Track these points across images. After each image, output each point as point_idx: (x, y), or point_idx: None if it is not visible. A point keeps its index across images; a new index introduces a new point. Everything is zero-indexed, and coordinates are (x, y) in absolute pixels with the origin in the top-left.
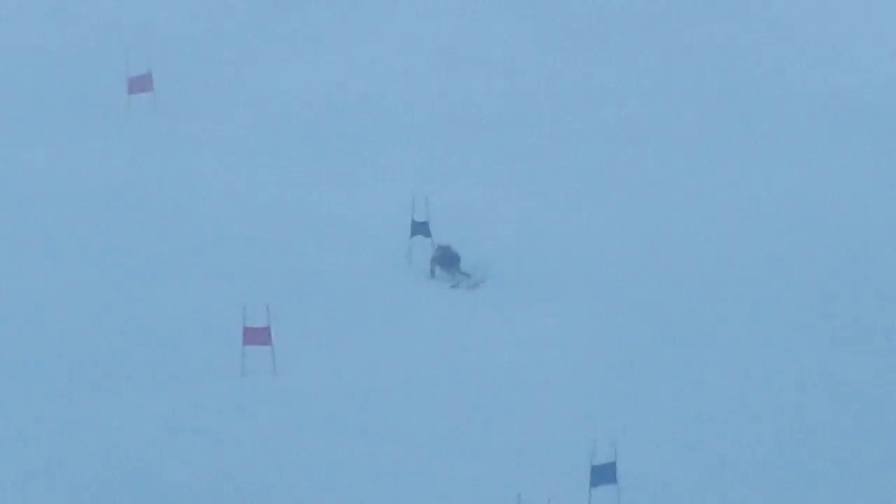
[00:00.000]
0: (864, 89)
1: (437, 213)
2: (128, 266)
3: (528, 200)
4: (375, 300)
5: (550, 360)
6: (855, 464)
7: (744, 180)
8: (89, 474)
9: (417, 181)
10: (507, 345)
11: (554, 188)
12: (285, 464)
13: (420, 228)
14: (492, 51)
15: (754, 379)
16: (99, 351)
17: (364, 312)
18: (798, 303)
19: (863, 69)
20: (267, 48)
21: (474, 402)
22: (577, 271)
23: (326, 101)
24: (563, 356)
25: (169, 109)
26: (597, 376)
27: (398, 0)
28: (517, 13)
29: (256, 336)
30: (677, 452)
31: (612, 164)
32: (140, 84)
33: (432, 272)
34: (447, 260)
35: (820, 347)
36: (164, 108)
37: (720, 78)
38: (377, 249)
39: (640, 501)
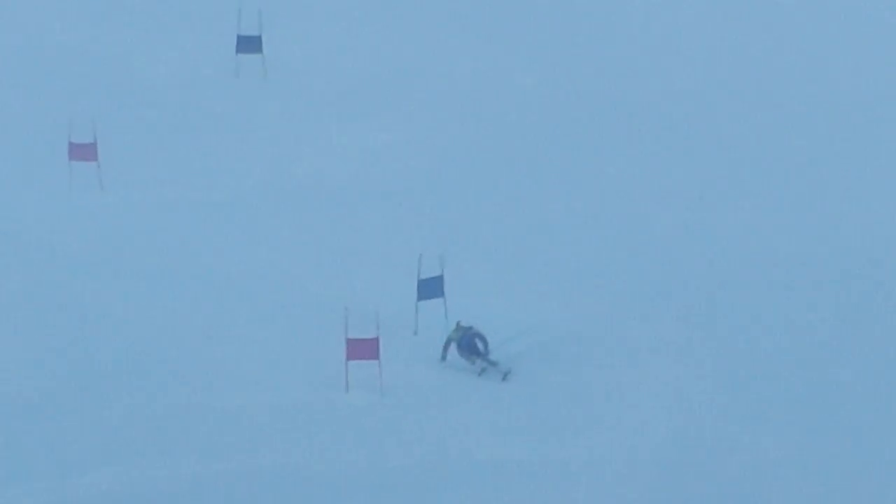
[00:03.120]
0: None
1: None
2: None
3: None
4: (199, 118)
5: (386, 173)
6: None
7: None
8: None
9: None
10: (346, 157)
11: None
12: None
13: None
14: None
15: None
16: None
17: (191, 131)
18: None
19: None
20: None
21: (308, 210)
22: (424, 88)
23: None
24: (397, 171)
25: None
26: (428, 192)
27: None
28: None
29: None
30: (503, 266)
31: None
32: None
33: (444, 356)
34: (468, 346)
35: None
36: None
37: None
38: None
39: (466, 312)
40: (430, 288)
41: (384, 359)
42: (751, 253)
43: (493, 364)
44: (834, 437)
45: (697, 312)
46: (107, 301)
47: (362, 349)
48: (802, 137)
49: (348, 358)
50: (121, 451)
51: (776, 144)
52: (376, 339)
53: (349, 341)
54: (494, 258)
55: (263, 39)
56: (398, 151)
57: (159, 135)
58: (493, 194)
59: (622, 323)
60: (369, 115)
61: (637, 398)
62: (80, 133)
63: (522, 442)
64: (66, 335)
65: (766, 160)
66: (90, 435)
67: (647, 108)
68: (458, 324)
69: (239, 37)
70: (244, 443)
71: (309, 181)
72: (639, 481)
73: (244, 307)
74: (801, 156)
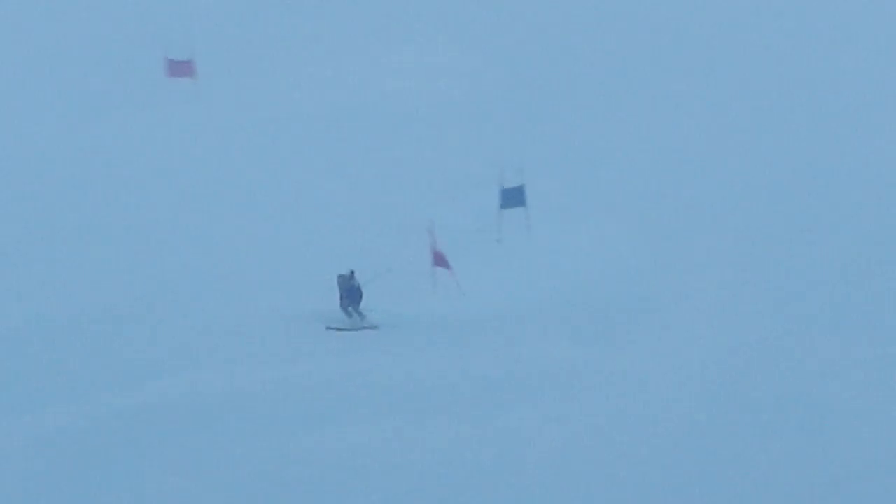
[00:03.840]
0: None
1: None
2: None
3: None
4: (285, 38)
5: (463, 92)
6: None
7: None
8: None
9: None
10: (412, 78)
11: None
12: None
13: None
14: None
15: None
16: None
17: (278, 50)
18: None
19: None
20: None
21: (384, 134)
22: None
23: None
24: (476, 90)
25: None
26: (507, 109)
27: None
28: None
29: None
30: (581, 177)
31: None
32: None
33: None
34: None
35: None
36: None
37: None
38: None
39: (547, 221)
40: (513, 197)
41: (468, 265)
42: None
43: (362, 316)
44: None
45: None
46: (188, 214)
47: (440, 259)
48: None
49: (434, 265)
50: (196, 357)
51: None
52: (442, 254)
53: (435, 253)
54: (569, 173)
55: None
56: (472, 70)
57: (249, 53)
58: (564, 113)
59: (690, 240)
60: (444, 36)
61: (701, 313)
62: (178, 51)
63: (597, 351)
64: (149, 247)
65: None
66: (163, 344)
67: (715, 38)
68: (340, 275)
69: None
70: (315, 350)
71: (390, 100)
72: (707, 385)
73: (324, 219)
74: None
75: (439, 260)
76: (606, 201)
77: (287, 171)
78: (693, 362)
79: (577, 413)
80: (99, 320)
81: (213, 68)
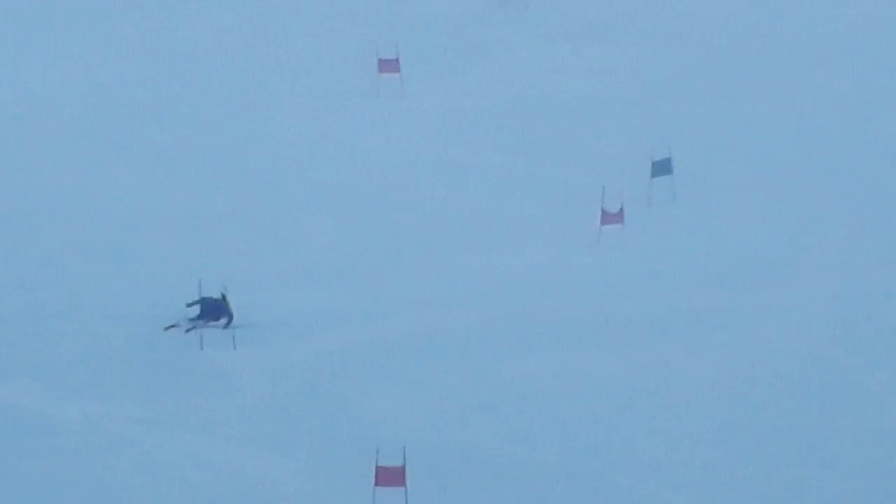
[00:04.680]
0: None
1: None
2: None
3: None
4: (472, 41)
5: (613, 85)
6: None
7: None
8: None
9: None
10: (576, 73)
11: None
12: (406, 165)
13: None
14: None
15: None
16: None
17: (466, 51)
18: None
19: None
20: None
21: (556, 120)
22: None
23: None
24: (624, 82)
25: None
26: (653, 96)
27: None
28: None
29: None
30: (726, 153)
31: None
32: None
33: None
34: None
35: None
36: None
37: None
38: None
39: (693, 188)
40: (662, 167)
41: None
42: None
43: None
44: None
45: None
46: (406, 184)
47: (611, 217)
48: None
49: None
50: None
51: None
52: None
53: (604, 213)
54: (712, 150)
55: None
56: (625, 70)
57: (444, 55)
58: (710, 101)
59: (816, 204)
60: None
61: (822, 266)
62: (386, 51)
63: (730, 289)
64: (377, 211)
65: None
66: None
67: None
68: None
69: None
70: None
71: (556, 95)
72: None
73: (508, 189)
74: None
75: (609, 218)
76: (743, 172)
77: (478, 151)
78: (816, 305)
79: (715, 348)
80: (334, 272)
81: (416, 68)
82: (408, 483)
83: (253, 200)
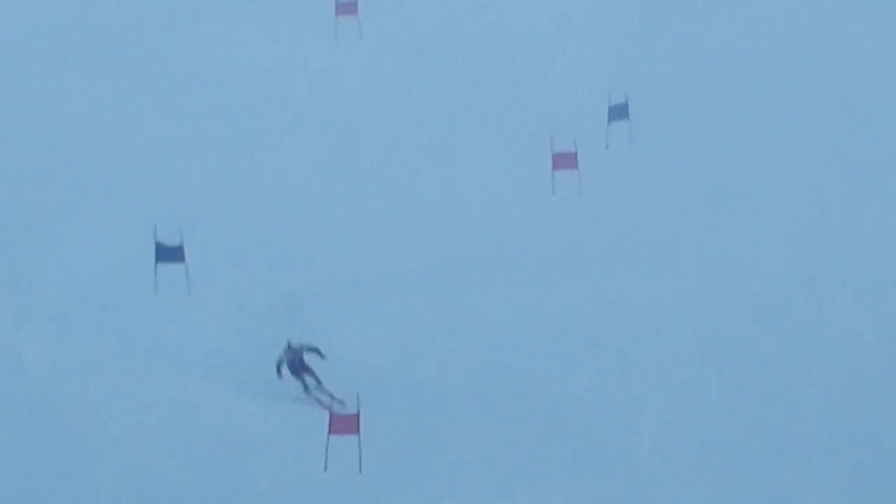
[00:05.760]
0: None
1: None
2: None
3: None
4: None
5: (572, 22)
6: None
7: None
8: None
9: None
10: (534, 10)
11: None
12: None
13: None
14: None
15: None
16: None
17: None
18: None
19: None
20: None
21: (512, 62)
22: None
23: None
24: (584, 18)
25: None
26: (611, 34)
27: None
28: None
29: None
30: (684, 95)
31: None
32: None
33: (278, 371)
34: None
35: None
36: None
37: None
38: None
39: (651, 133)
40: (619, 112)
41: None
42: None
43: (321, 390)
44: None
45: None
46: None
47: (562, 160)
48: None
49: (555, 167)
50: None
51: None
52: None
53: (555, 155)
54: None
55: None
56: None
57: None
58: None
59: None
60: None
61: None
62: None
63: (691, 227)
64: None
65: None
66: None
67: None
68: (288, 344)
69: None
70: None
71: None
72: None
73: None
74: None
75: (560, 161)
76: (701, 114)
77: (440, 87)
78: (778, 239)
79: (679, 283)
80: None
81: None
82: (362, 422)
83: (212, 134)
